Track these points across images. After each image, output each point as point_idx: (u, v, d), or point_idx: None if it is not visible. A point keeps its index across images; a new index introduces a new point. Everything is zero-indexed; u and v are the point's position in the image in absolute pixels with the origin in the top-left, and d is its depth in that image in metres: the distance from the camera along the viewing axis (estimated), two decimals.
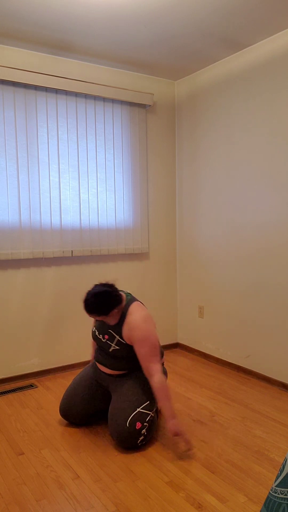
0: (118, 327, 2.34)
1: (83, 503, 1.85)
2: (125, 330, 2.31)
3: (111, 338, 2.37)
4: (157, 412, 2.53)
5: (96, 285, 2.35)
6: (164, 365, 3.57)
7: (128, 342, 2.32)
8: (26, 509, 1.82)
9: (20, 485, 1.99)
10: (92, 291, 2.27)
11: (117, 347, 2.35)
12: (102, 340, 2.40)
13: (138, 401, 2.27)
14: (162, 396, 2.17)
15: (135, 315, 2.29)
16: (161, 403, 2.18)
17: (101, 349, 2.45)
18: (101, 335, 2.41)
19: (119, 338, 2.34)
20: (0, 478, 2.05)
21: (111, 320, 2.34)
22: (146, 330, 2.24)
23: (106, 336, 2.38)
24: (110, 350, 2.37)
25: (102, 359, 2.44)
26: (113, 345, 2.35)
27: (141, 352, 2.24)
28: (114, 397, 2.36)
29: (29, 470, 2.11)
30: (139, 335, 2.24)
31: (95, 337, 2.47)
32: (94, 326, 2.50)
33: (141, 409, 2.24)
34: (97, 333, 2.44)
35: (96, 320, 2.49)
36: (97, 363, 2.51)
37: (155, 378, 2.20)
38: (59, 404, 2.84)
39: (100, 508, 1.82)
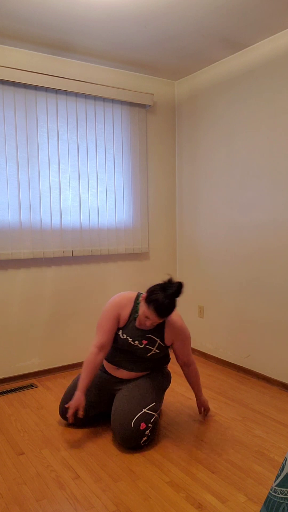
0: (159, 330, 2.33)
1: (83, 503, 1.85)
2: (168, 333, 2.34)
3: (151, 343, 2.33)
4: (160, 413, 2.53)
5: (158, 285, 2.20)
6: None
7: (168, 344, 2.38)
8: (26, 509, 1.82)
9: (20, 485, 1.99)
10: (167, 293, 2.14)
11: (157, 351, 2.35)
12: (139, 346, 2.32)
13: (145, 402, 2.26)
14: (198, 379, 2.52)
15: (175, 316, 2.38)
16: (197, 385, 2.52)
17: (129, 354, 2.37)
18: (136, 342, 2.32)
19: (160, 342, 2.35)
20: (0, 478, 2.05)
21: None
22: (186, 329, 2.40)
23: (145, 341, 2.32)
24: (149, 354, 2.34)
25: (127, 364, 2.38)
26: (154, 349, 2.34)
27: (183, 348, 2.41)
28: (119, 395, 2.34)
29: (29, 470, 2.11)
30: (185, 335, 2.39)
31: (126, 345, 2.33)
32: (122, 334, 2.34)
33: (147, 410, 2.24)
34: (130, 341, 2.32)
35: (124, 328, 2.34)
36: (113, 369, 2.44)
37: (195, 366, 2.50)
38: (59, 404, 2.84)
39: (101, 508, 1.82)
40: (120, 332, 2.35)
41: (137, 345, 2.32)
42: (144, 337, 2.32)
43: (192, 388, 2.55)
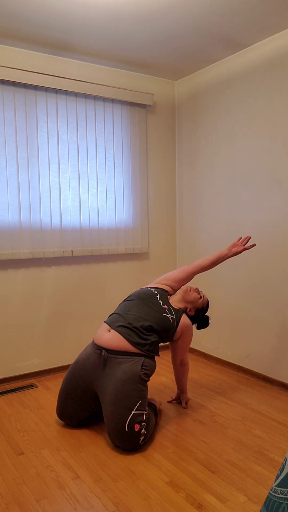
0: (178, 315, 2.62)
1: (83, 503, 1.85)
2: (181, 325, 2.61)
3: (170, 312, 2.59)
4: (156, 410, 2.53)
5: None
6: (160, 363, 3.58)
7: (176, 336, 2.61)
8: (26, 509, 1.82)
9: (20, 485, 1.99)
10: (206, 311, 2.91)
11: (170, 320, 2.55)
12: (162, 305, 2.58)
13: (130, 403, 2.23)
14: (187, 377, 2.84)
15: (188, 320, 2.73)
16: (186, 382, 2.84)
17: (140, 310, 2.53)
18: (161, 301, 2.62)
19: (175, 320, 2.59)
20: (0, 478, 2.05)
21: (191, 307, 2.76)
22: (192, 331, 2.74)
23: (166, 306, 2.61)
24: (163, 314, 2.55)
25: (123, 329, 2.42)
26: (168, 316, 2.56)
27: (185, 346, 2.69)
28: (104, 401, 2.31)
29: (29, 470, 2.11)
30: (190, 334, 2.71)
31: (151, 299, 2.59)
32: (155, 290, 2.70)
33: (135, 411, 2.23)
34: (158, 297, 2.63)
35: (157, 288, 2.74)
36: (104, 331, 2.48)
37: (188, 365, 2.80)
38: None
39: (100, 508, 1.82)
40: (153, 289, 2.71)
41: (160, 304, 2.60)
42: (167, 303, 2.64)
43: (182, 385, 2.83)
